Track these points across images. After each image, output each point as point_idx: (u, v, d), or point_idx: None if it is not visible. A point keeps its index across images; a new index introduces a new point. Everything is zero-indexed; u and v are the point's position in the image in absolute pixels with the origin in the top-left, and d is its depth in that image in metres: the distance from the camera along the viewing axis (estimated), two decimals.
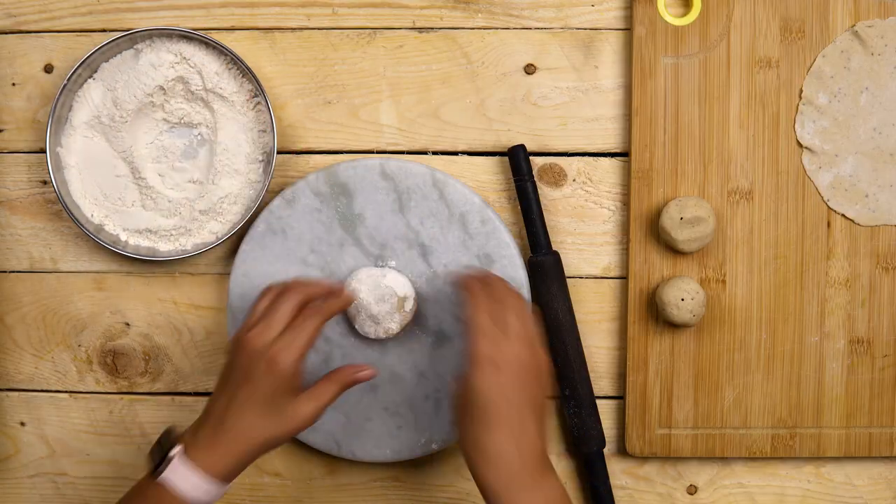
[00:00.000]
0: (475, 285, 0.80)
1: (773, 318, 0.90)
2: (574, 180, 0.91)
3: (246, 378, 0.77)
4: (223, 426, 0.77)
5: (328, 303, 0.80)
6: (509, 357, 0.76)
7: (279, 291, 0.80)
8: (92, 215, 0.90)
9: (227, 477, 0.77)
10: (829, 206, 0.89)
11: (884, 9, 0.88)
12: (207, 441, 0.76)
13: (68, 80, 0.87)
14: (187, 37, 0.88)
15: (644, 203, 0.89)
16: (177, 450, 0.76)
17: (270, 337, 0.77)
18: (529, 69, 0.91)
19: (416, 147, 0.92)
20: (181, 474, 0.75)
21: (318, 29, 0.91)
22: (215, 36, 0.90)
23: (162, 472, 0.75)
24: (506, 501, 0.74)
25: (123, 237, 0.90)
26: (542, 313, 0.89)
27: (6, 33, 0.92)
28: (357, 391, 0.89)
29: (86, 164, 0.90)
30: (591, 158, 0.92)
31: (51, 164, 0.88)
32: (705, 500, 0.94)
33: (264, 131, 0.90)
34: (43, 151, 0.92)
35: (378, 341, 0.89)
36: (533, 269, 0.89)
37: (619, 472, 0.93)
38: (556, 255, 0.90)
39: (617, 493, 0.93)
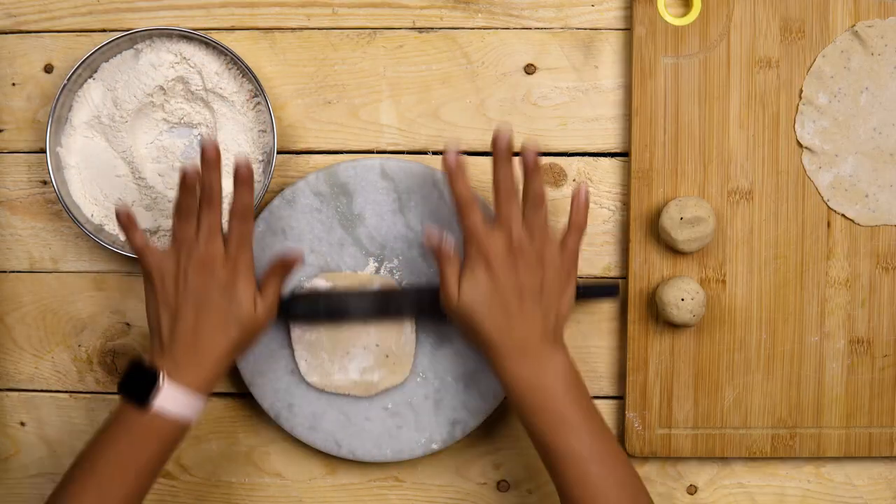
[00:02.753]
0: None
1: (773, 318, 0.90)
2: (574, 180, 0.91)
3: (179, 291, 0.80)
4: (198, 344, 0.79)
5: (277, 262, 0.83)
6: (497, 248, 0.80)
7: (187, 196, 0.81)
8: (92, 215, 0.90)
9: (209, 389, 0.80)
10: (829, 206, 0.89)
11: (884, 9, 0.88)
12: (186, 360, 0.79)
13: (68, 80, 0.87)
14: (187, 37, 0.88)
15: (644, 203, 0.89)
16: (162, 376, 0.77)
17: (188, 235, 0.80)
18: (529, 69, 0.91)
19: (416, 147, 0.92)
20: (171, 398, 0.77)
21: (318, 29, 0.91)
22: (215, 36, 0.90)
23: (153, 400, 0.77)
24: (500, 375, 0.80)
25: (123, 237, 0.90)
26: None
27: (6, 33, 0.92)
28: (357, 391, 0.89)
29: (86, 164, 0.90)
30: (591, 158, 0.92)
31: (51, 164, 0.88)
32: (705, 500, 0.94)
33: (264, 131, 0.90)
34: (43, 151, 0.92)
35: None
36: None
37: None
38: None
39: None
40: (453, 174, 0.81)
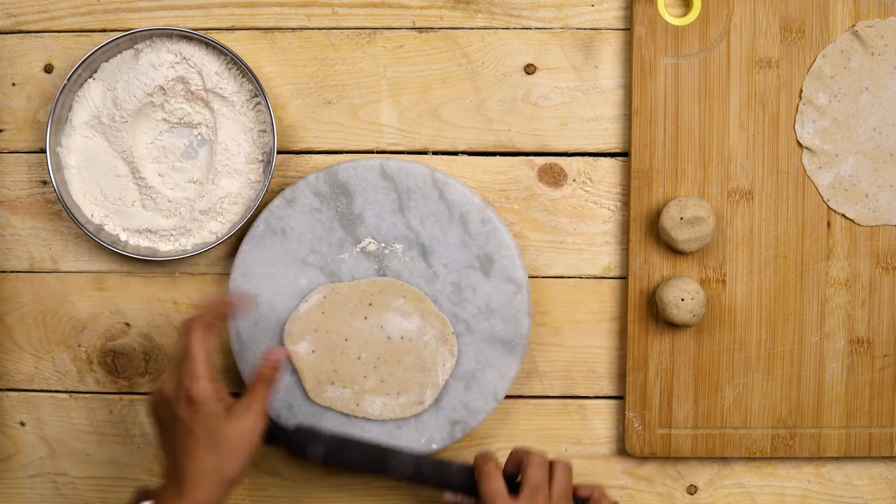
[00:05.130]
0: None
1: (773, 318, 0.90)
2: (574, 180, 0.91)
3: (178, 427, 0.76)
4: (182, 480, 0.76)
5: (204, 312, 0.80)
6: None
7: (183, 332, 0.79)
8: (92, 215, 0.90)
9: None
10: (829, 206, 0.89)
11: (884, 9, 0.88)
12: (174, 498, 0.76)
13: (68, 80, 0.87)
14: (187, 37, 0.88)
15: (644, 203, 0.89)
16: None
17: (173, 378, 0.77)
18: (529, 69, 0.91)
19: (416, 147, 0.92)
20: None
21: (318, 29, 0.91)
22: (215, 36, 0.90)
23: None
24: None
25: (123, 237, 0.90)
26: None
27: (6, 33, 0.92)
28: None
29: (86, 164, 0.90)
30: (591, 158, 0.92)
31: (51, 164, 0.88)
32: (705, 500, 0.94)
33: (264, 131, 0.90)
34: (43, 151, 0.92)
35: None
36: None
37: (619, 472, 0.93)
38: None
39: (617, 493, 0.93)
40: (481, 470, 0.81)
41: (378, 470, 0.85)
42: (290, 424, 0.88)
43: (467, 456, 0.93)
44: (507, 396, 0.93)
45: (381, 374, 0.89)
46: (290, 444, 0.84)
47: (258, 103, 0.89)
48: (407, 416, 0.89)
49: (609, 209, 0.92)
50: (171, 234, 0.90)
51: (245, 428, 0.77)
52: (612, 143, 0.91)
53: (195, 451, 0.76)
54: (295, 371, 0.90)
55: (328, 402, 0.89)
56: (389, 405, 0.89)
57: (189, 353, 0.77)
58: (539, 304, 0.92)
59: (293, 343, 0.89)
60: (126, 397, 0.94)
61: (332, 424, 0.90)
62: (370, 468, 0.85)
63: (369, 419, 0.90)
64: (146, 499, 0.77)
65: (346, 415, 0.90)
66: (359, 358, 0.89)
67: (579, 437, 0.93)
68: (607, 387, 0.93)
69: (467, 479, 0.84)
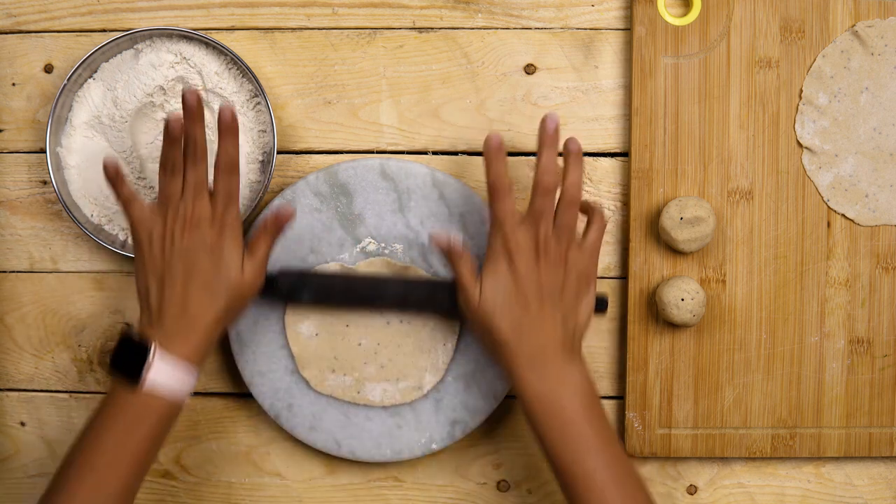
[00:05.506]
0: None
1: (773, 318, 0.90)
2: None
3: (165, 256, 0.76)
4: (187, 312, 0.75)
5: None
6: (524, 242, 0.77)
7: (172, 160, 0.78)
8: (92, 215, 0.90)
9: (201, 360, 0.76)
10: (829, 206, 0.89)
11: (884, 9, 0.88)
12: (176, 330, 0.75)
13: (68, 80, 0.87)
14: (187, 37, 0.88)
15: (644, 203, 0.89)
16: (153, 348, 0.74)
17: (174, 197, 0.77)
18: (529, 69, 0.91)
19: (416, 147, 0.92)
20: (163, 371, 0.73)
21: (318, 29, 0.91)
22: (215, 36, 0.90)
23: (146, 377, 0.73)
24: (516, 386, 0.77)
25: (123, 237, 0.90)
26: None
27: (6, 33, 0.92)
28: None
29: (86, 164, 0.90)
30: (591, 158, 0.92)
31: (51, 164, 0.88)
32: (705, 500, 0.94)
33: (264, 131, 0.90)
34: (43, 151, 0.92)
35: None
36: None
37: None
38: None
39: None
40: (493, 157, 0.78)
41: (368, 301, 0.86)
42: (274, 271, 0.86)
43: (468, 455, 0.94)
44: (507, 396, 0.93)
45: (381, 359, 0.89)
46: (278, 291, 0.84)
47: (258, 103, 0.89)
48: (407, 401, 0.89)
49: (609, 209, 0.92)
50: None
51: (248, 277, 0.78)
52: (612, 143, 0.91)
53: (206, 286, 0.76)
54: (295, 368, 0.90)
55: (329, 390, 0.89)
56: (389, 391, 0.89)
57: (256, 239, 0.79)
58: None
59: (295, 324, 0.89)
60: None
61: (333, 414, 0.90)
62: (360, 301, 0.86)
63: (370, 406, 0.90)
64: (139, 342, 0.75)
65: (348, 402, 0.90)
66: (359, 344, 0.89)
67: None
68: (607, 387, 0.93)
69: (455, 294, 0.83)
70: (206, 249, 0.77)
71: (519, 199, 0.91)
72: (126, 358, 0.75)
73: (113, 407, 0.75)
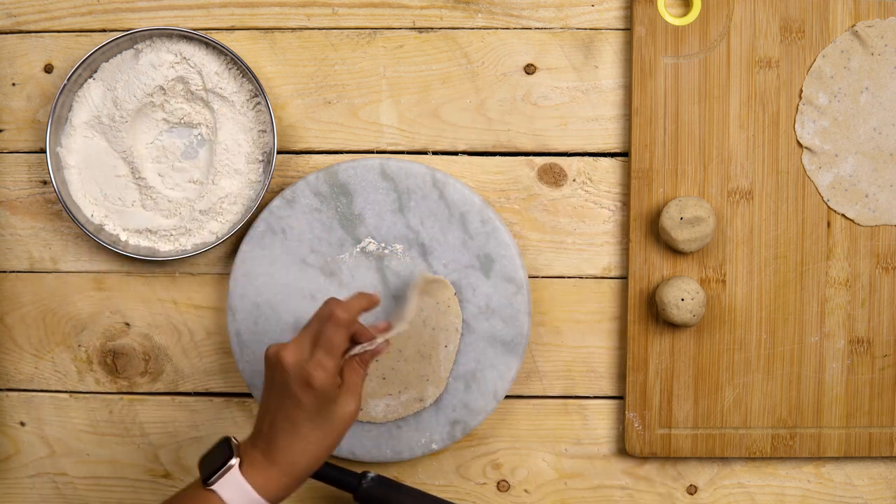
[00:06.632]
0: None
1: (773, 318, 0.90)
2: (574, 180, 0.91)
3: (285, 395, 0.76)
4: (275, 446, 0.76)
5: (352, 302, 0.78)
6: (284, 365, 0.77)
7: (325, 316, 0.78)
8: (92, 215, 0.90)
9: (277, 498, 0.76)
10: (829, 206, 0.89)
11: (884, 9, 0.88)
12: (260, 460, 0.76)
13: (68, 80, 0.87)
14: (187, 37, 0.88)
15: (644, 203, 0.89)
16: (234, 462, 0.75)
17: (300, 350, 0.76)
18: (529, 69, 0.91)
19: (416, 147, 0.92)
20: (235, 487, 0.74)
21: (318, 29, 0.91)
22: (215, 36, 0.90)
23: (216, 480, 0.74)
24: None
25: (123, 237, 0.90)
26: None
27: (6, 33, 0.92)
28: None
29: (86, 164, 0.90)
30: (591, 158, 0.92)
31: (51, 164, 0.88)
32: (705, 500, 0.94)
33: (264, 131, 0.90)
34: (43, 151, 0.92)
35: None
36: (366, 501, 0.88)
37: (619, 472, 0.93)
38: (375, 478, 0.88)
39: (617, 493, 0.93)
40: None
41: None
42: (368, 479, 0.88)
43: (468, 455, 0.94)
44: (507, 396, 0.93)
45: (382, 370, 0.89)
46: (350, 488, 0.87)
47: (258, 103, 0.89)
48: (409, 413, 0.89)
49: (609, 209, 0.92)
50: (171, 234, 0.90)
51: (349, 411, 0.77)
52: (612, 143, 0.91)
53: (302, 427, 0.76)
54: None
55: None
56: (392, 405, 0.89)
57: (327, 339, 0.76)
58: (539, 304, 0.92)
59: None
60: (126, 397, 0.94)
61: None
62: None
63: (372, 423, 0.90)
64: (230, 452, 0.76)
65: None
66: None
67: (579, 437, 0.93)
68: (607, 387, 0.93)
69: None
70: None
71: (519, 199, 0.92)
72: (214, 457, 0.76)
73: (188, 493, 0.76)
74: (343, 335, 0.76)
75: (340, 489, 0.88)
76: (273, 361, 0.76)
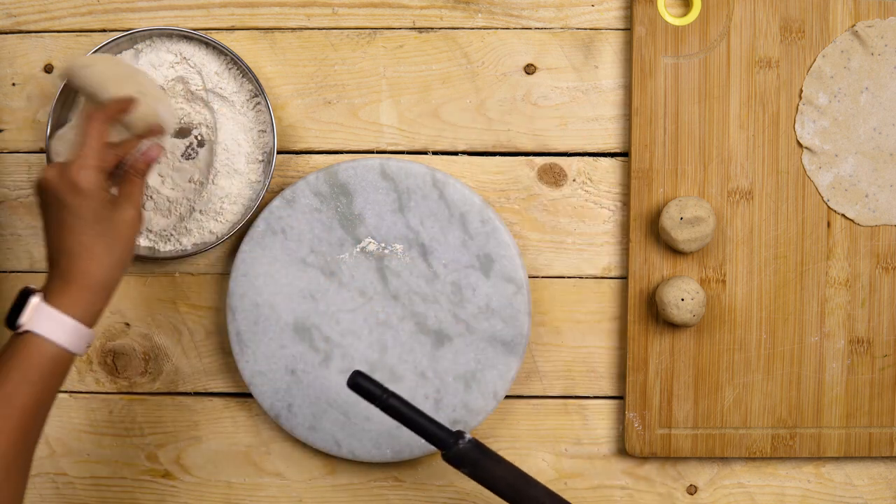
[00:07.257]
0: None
1: (773, 318, 0.90)
2: (574, 180, 0.91)
3: (62, 213, 0.76)
4: (68, 266, 0.76)
5: (108, 105, 0.79)
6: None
7: (79, 124, 0.79)
8: None
9: (90, 316, 0.76)
10: (829, 206, 0.89)
11: (884, 9, 0.88)
12: (59, 285, 0.75)
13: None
14: (187, 37, 0.88)
15: (644, 203, 0.89)
16: (37, 297, 0.74)
17: (59, 164, 0.76)
18: (529, 69, 0.91)
19: (416, 147, 0.92)
20: (44, 318, 0.74)
21: (318, 29, 0.91)
22: (215, 36, 0.90)
23: (23, 321, 0.73)
24: None
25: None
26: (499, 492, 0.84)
27: (6, 33, 0.92)
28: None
29: None
30: (591, 158, 0.92)
31: None
32: (705, 500, 0.94)
33: (264, 131, 0.90)
34: (43, 151, 0.92)
35: (378, 340, 0.89)
36: (457, 462, 0.83)
37: (619, 472, 0.93)
38: (472, 441, 0.83)
39: (617, 493, 0.93)
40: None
41: (514, 498, 0.83)
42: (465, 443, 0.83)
43: None
44: (507, 396, 0.93)
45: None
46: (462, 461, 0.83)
47: (258, 103, 0.89)
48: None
49: (609, 209, 0.92)
50: (171, 234, 0.90)
51: (129, 217, 0.78)
52: (612, 143, 0.91)
53: (83, 237, 0.76)
54: (295, 368, 0.90)
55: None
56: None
57: (85, 139, 0.77)
58: (539, 304, 0.92)
59: None
60: (126, 397, 0.94)
61: (333, 414, 0.90)
62: (508, 494, 0.83)
63: (372, 422, 0.90)
64: (31, 294, 0.75)
65: (348, 402, 0.90)
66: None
67: (579, 437, 0.93)
68: (607, 387, 0.93)
69: None
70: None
71: (519, 199, 0.92)
72: (17, 309, 0.75)
73: (6, 345, 0.75)
74: (98, 129, 0.77)
75: (433, 444, 0.83)
76: (40, 186, 0.77)
